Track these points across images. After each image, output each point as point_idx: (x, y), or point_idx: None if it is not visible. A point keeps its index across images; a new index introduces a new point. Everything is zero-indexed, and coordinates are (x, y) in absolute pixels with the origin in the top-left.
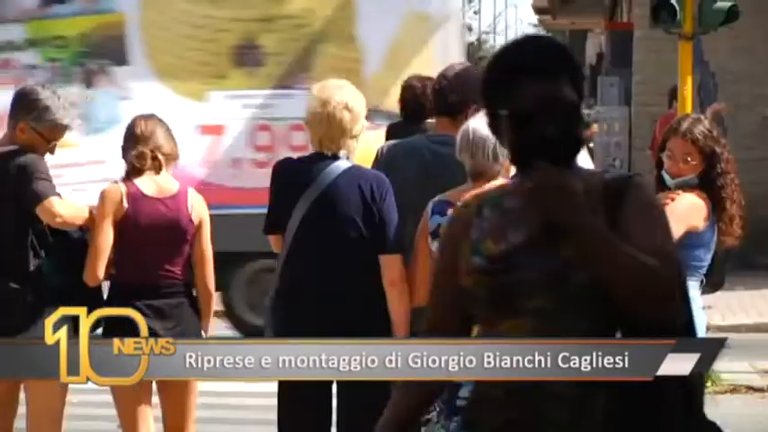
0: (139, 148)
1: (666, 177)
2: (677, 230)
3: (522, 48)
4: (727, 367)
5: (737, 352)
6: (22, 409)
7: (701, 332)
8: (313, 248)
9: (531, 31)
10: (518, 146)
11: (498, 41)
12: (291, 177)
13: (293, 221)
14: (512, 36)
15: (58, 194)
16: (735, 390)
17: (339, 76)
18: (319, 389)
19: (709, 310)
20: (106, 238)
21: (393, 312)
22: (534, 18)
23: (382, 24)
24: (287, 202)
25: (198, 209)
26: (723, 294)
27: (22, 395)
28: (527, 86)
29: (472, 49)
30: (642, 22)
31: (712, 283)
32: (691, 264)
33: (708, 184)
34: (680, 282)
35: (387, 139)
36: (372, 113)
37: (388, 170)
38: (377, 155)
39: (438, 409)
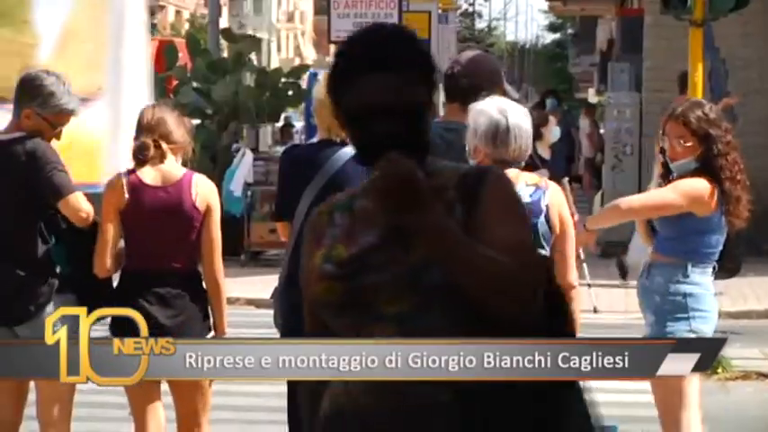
0: (141, 139)
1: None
2: (680, 204)
3: (366, 38)
4: (737, 354)
5: (748, 338)
6: (31, 397)
7: (712, 320)
8: None
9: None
10: (359, 142)
11: (509, 28)
12: (299, 164)
13: (301, 208)
14: (522, 22)
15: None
16: (746, 376)
17: (12, 61)
18: None
19: (720, 296)
20: (112, 230)
21: None
22: (545, 4)
23: (56, 8)
24: (295, 188)
25: (204, 195)
26: (733, 281)
27: (31, 383)
28: (367, 80)
29: (482, 35)
30: (653, 8)
31: (727, 269)
32: (701, 250)
33: (707, 168)
34: (538, 279)
35: None
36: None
37: None
38: None
39: None
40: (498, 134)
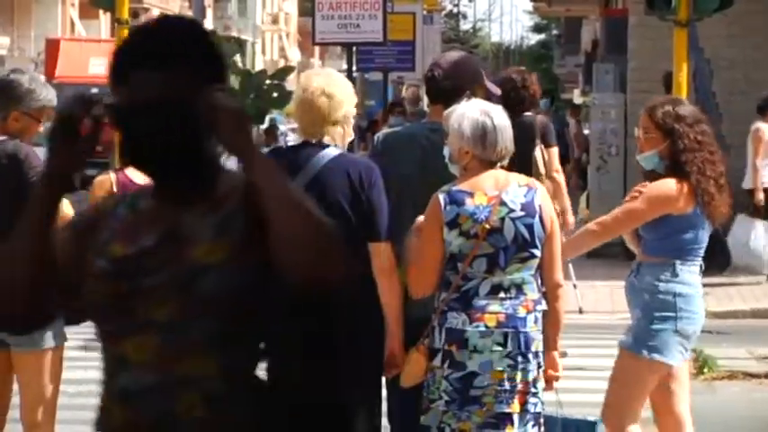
0: None
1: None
2: (651, 212)
3: (145, 31)
4: (724, 353)
5: (735, 338)
6: (15, 400)
7: (699, 322)
8: None
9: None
10: (123, 140)
11: (493, 29)
12: (281, 167)
13: None
14: (506, 23)
15: None
16: (732, 376)
17: None
18: None
19: (706, 296)
20: None
21: (384, 300)
22: (529, 5)
23: None
24: None
25: None
26: (720, 280)
27: (15, 385)
28: (136, 75)
29: (467, 36)
30: (637, 8)
31: (717, 264)
32: (686, 247)
33: (675, 164)
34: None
35: None
36: None
37: (386, 157)
38: (374, 142)
39: (448, 398)
40: (486, 135)
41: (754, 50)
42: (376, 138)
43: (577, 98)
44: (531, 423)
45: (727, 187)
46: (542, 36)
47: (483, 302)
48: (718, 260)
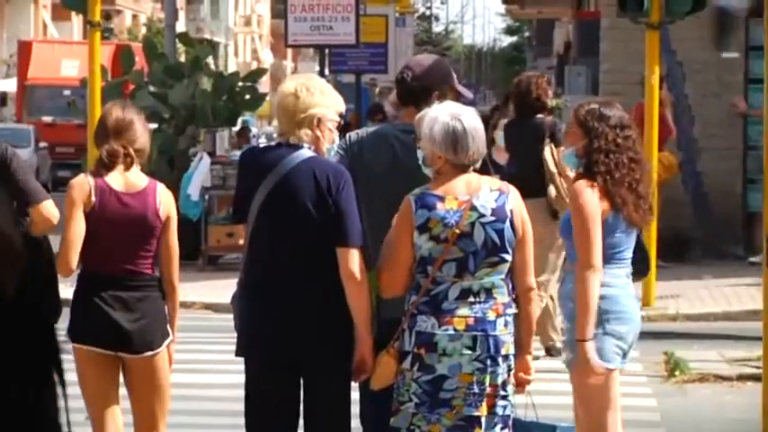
0: (112, 144)
1: None
2: (594, 218)
3: None
4: (695, 356)
5: (706, 341)
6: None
7: (631, 320)
8: (269, 238)
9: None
10: None
11: (466, 31)
12: (253, 166)
13: (252, 210)
14: (479, 25)
15: None
16: (703, 379)
17: None
18: (285, 379)
19: (678, 299)
20: (78, 229)
21: (352, 306)
22: (502, 7)
23: None
24: (249, 191)
25: (166, 204)
26: (692, 283)
27: None
28: None
29: (440, 38)
30: (609, 10)
31: (636, 271)
32: (607, 252)
33: (587, 165)
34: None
35: (506, 134)
36: None
37: (356, 158)
38: (344, 142)
39: (417, 400)
40: (457, 139)
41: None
42: (347, 137)
43: (550, 100)
44: (500, 426)
45: (647, 195)
46: (515, 38)
47: (452, 306)
48: (637, 267)
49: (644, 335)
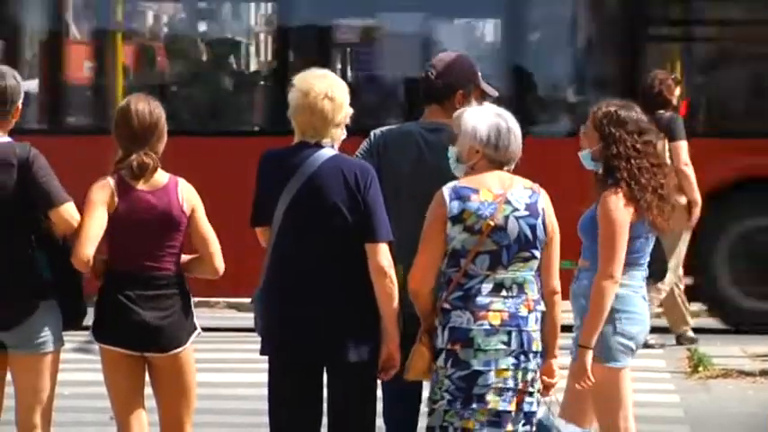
0: (142, 156)
1: None
2: (620, 240)
3: None
4: (718, 352)
5: (729, 337)
6: (9, 402)
7: (641, 321)
8: (298, 239)
9: None
10: None
11: None
12: (275, 168)
13: (278, 212)
14: None
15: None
16: (726, 374)
17: None
18: (309, 379)
19: None
20: (97, 224)
21: (381, 301)
22: None
23: None
24: (271, 193)
25: (189, 198)
26: None
27: (9, 389)
28: None
29: None
30: None
31: (651, 272)
32: (627, 256)
33: (607, 168)
34: None
35: None
36: None
37: (382, 156)
38: (369, 140)
39: (450, 397)
40: (500, 135)
41: None
42: (371, 135)
43: None
44: (523, 422)
45: (669, 198)
46: None
47: (486, 300)
48: (653, 268)
49: (667, 331)
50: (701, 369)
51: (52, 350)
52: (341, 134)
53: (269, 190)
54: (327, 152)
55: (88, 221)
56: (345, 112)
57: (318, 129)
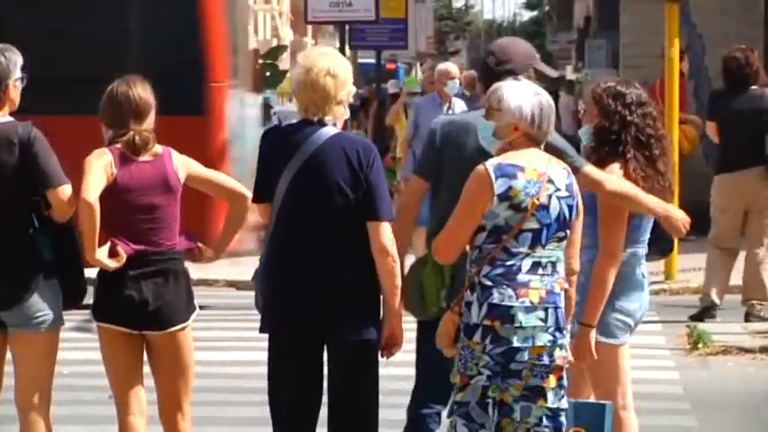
0: (143, 132)
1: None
2: (621, 219)
3: None
4: (718, 329)
5: (729, 313)
6: (9, 381)
7: (639, 299)
8: (299, 217)
9: None
10: None
11: (486, 6)
12: (277, 145)
13: (279, 189)
14: (498, 1)
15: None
16: (726, 351)
17: None
18: (310, 356)
19: (701, 271)
20: (98, 176)
21: (383, 279)
22: None
23: None
24: (273, 170)
25: (182, 166)
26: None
27: (9, 368)
28: None
29: (460, 13)
30: None
31: (658, 250)
32: (627, 232)
33: (601, 141)
34: None
35: (713, 105)
36: None
37: (447, 141)
38: (432, 131)
39: (490, 372)
40: (542, 113)
41: (747, 26)
42: (433, 125)
43: (570, 74)
44: (561, 397)
45: (666, 172)
46: (535, 13)
47: (526, 278)
48: (661, 246)
49: (667, 308)
50: (700, 346)
51: (52, 329)
52: (343, 112)
53: (270, 167)
54: (330, 130)
55: (89, 175)
56: (348, 90)
57: (320, 105)
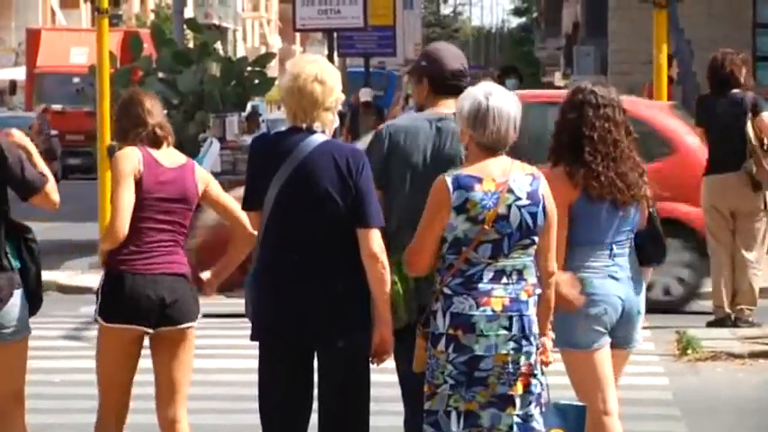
0: (158, 120)
1: None
2: (558, 214)
3: None
4: (707, 334)
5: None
6: None
7: (608, 302)
8: (289, 224)
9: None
10: None
11: (474, 13)
12: (267, 153)
13: (269, 197)
14: (487, 7)
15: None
16: (715, 357)
17: None
18: (300, 364)
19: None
20: (129, 195)
21: (372, 286)
22: None
23: None
24: (263, 178)
25: (202, 179)
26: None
27: None
28: None
29: (448, 20)
30: None
31: (648, 257)
32: (581, 233)
33: (556, 144)
34: None
35: (697, 108)
36: None
37: (392, 145)
38: (377, 133)
39: (453, 381)
40: (478, 116)
41: (735, 31)
42: (384, 128)
43: (558, 80)
44: (534, 404)
45: (626, 173)
46: (523, 19)
47: (488, 287)
48: (650, 252)
49: (656, 313)
50: (689, 351)
51: (22, 338)
52: (332, 119)
53: (260, 175)
54: (319, 137)
55: (123, 195)
56: (336, 97)
57: (308, 112)
